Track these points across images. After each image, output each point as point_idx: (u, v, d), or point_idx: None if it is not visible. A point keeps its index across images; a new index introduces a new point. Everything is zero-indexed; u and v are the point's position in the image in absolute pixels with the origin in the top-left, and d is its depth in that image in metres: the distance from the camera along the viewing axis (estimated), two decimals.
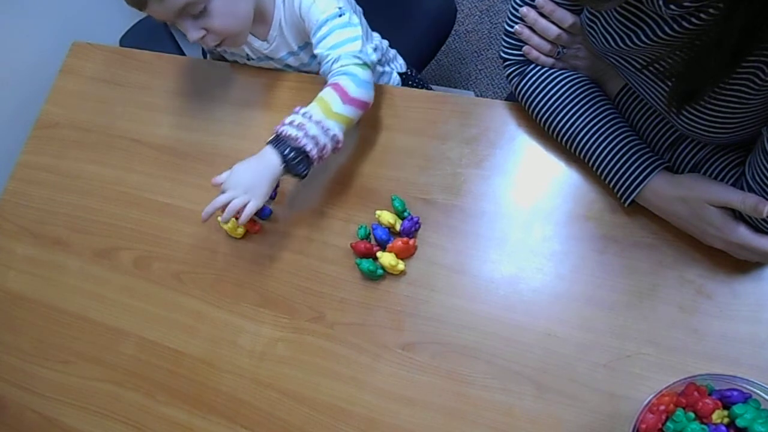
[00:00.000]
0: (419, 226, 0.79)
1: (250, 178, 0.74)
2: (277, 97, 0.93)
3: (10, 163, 1.02)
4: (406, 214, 0.79)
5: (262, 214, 0.84)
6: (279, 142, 0.73)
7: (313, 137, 0.72)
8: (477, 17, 1.69)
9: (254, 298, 0.82)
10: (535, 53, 0.74)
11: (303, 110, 0.74)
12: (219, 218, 0.83)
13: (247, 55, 0.95)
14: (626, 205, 0.71)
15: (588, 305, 0.71)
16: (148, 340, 0.84)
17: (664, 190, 0.67)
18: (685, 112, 0.61)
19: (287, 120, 0.74)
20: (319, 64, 0.82)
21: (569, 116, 0.72)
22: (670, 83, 0.60)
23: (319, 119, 0.73)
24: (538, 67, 0.75)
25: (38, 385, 0.87)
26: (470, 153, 0.82)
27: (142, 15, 0.80)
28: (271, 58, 0.94)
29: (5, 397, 0.88)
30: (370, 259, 0.77)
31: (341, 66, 0.77)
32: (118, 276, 0.89)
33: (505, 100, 0.85)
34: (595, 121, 0.71)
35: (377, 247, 0.78)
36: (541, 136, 0.80)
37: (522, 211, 0.77)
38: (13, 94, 1.11)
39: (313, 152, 0.73)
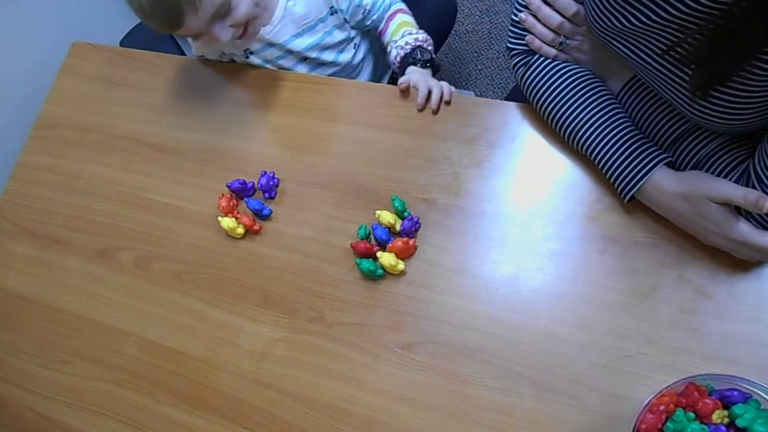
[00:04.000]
0: (419, 226, 0.79)
1: (424, 74, 0.89)
2: (277, 97, 0.93)
3: (10, 163, 1.02)
4: (406, 214, 0.79)
5: (262, 214, 0.84)
6: (413, 58, 0.91)
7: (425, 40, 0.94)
8: (477, 17, 1.69)
9: (254, 298, 0.82)
10: (537, 42, 0.74)
11: (399, 36, 0.94)
12: (219, 219, 0.83)
13: (247, 49, 0.95)
14: (626, 200, 0.70)
15: (588, 305, 0.71)
16: (148, 340, 0.84)
17: (665, 185, 0.67)
18: (700, 100, 0.59)
19: (402, 44, 0.93)
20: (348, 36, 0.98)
21: (572, 108, 0.72)
22: (691, 69, 0.58)
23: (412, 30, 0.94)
24: (543, 58, 0.75)
25: (38, 385, 0.87)
26: (470, 153, 0.82)
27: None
28: (273, 44, 0.94)
29: (5, 397, 0.88)
30: (370, 259, 0.77)
31: (392, 3, 0.98)
32: (118, 276, 0.89)
33: (505, 99, 0.85)
34: (597, 114, 0.71)
35: (377, 247, 0.78)
36: (541, 136, 0.80)
37: (522, 211, 0.77)
38: (13, 94, 1.11)
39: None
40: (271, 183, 0.85)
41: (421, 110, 0.86)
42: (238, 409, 0.78)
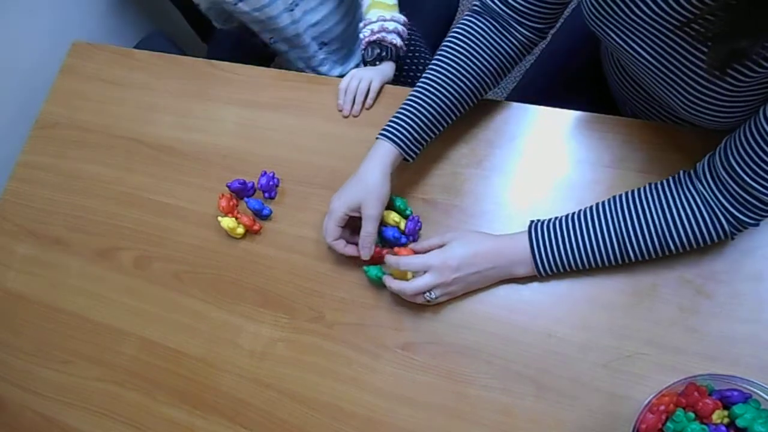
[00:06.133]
0: (420, 226, 0.79)
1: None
2: (277, 97, 0.93)
3: (10, 163, 1.02)
4: (408, 212, 0.79)
5: (262, 214, 0.84)
6: (379, 48, 0.92)
7: (396, 32, 0.93)
8: None
9: (254, 298, 0.82)
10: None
11: (372, 20, 0.92)
12: (219, 219, 0.83)
13: None
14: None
15: (588, 305, 0.71)
16: (148, 340, 0.84)
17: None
18: (716, 79, 0.58)
19: (374, 29, 0.92)
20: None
21: None
22: (707, 47, 0.56)
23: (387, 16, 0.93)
24: None
25: (38, 385, 0.87)
26: (470, 153, 0.82)
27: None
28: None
29: (5, 397, 0.88)
30: (378, 266, 0.76)
31: None
32: (118, 276, 0.89)
33: (506, 99, 0.85)
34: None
35: (386, 250, 0.77)
36: (541, 136, 0.80)
37: (522, 211, 0.77)
38: (13, 94, 1.11)
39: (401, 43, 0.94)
40: (271, 183, 0.85)
41: (346, 116, 0.90)
42: (238, 409, 0.78)
